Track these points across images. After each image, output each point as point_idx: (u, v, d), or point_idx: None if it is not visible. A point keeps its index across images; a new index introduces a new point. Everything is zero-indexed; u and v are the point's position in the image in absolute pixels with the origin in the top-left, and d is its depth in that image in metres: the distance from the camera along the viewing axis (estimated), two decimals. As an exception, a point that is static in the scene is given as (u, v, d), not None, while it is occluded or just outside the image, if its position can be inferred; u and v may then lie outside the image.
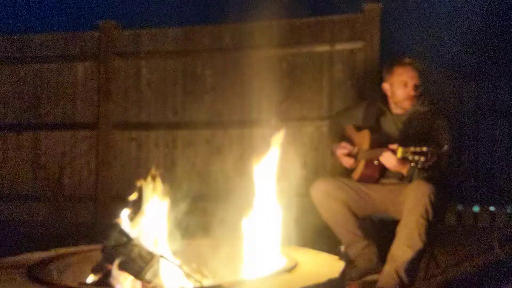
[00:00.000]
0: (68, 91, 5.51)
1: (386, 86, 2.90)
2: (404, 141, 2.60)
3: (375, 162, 2.70)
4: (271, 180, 2.15)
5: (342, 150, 2.96)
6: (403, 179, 2.69)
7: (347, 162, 2.95)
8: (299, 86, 4.96)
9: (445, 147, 2.44)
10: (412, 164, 2.46)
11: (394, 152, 2.57)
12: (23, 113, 5.59)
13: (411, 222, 2.47)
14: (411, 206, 2.48)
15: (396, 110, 2.89)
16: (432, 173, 2.57)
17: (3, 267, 1.88)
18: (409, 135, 2.73)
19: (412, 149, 2.44)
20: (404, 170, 2.64)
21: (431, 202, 2.45)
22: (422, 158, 2.40)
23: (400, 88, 2.80)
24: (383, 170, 2.76)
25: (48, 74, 5.55)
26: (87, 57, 5.47)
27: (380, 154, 2.63)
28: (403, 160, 2.53)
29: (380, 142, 2.74)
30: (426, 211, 2.44)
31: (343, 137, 3.06)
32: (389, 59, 2.93)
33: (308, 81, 4.95)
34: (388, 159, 2.60)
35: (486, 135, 4.90)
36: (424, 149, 2.40)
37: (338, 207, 2.77)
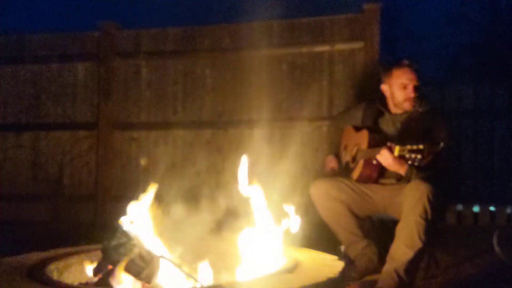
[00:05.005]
0: (68, 91, 5.50)
1: (384, 87, 2.91)
2: (401, 140, 2.61)
3: (374, 161, 2.71)
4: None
5: (330, 163, 3.07)
6: (401, 180, 2.70)
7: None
8: (299, 86, 4.96)
9: (441, 145, 2.45)
10: (409, 162, 2.47)
11: (391, 150, 2.58)
12: (23, 113, 5.58)
13: (410, 222, 2.47)
14: (410, 206, 2.49)
15: (395, 110, 2.89)
16: (430, 172, 2.58)
17: (3, 267, 1.88)
18: (407, 134, 2.73)
19: (408, 147, 2.45)
20: (402, 171, 2.64)
21: (430, 202, 2.45)
22: (419, 156, 2.41)
23: (400, 90, 2.81)
24: (382, 170, 2.76)
25: (48, 74, 5.54)
26: (87, 57, 5.46)
27: (377, 153, 2.64)
28: (400, 158, 2.54)
29: (379, 141, 2.75)
30: (425, 211, 2.45)
31: (338, 145, 3.11)
32: (387, 61, 2.94)
33: (308, 81, 4.95)
34: (385, 157, 2.61)
35: (485, 136, 4.90)
36: (421, 147, 2.41)
37: (338, 207, 2.78)
